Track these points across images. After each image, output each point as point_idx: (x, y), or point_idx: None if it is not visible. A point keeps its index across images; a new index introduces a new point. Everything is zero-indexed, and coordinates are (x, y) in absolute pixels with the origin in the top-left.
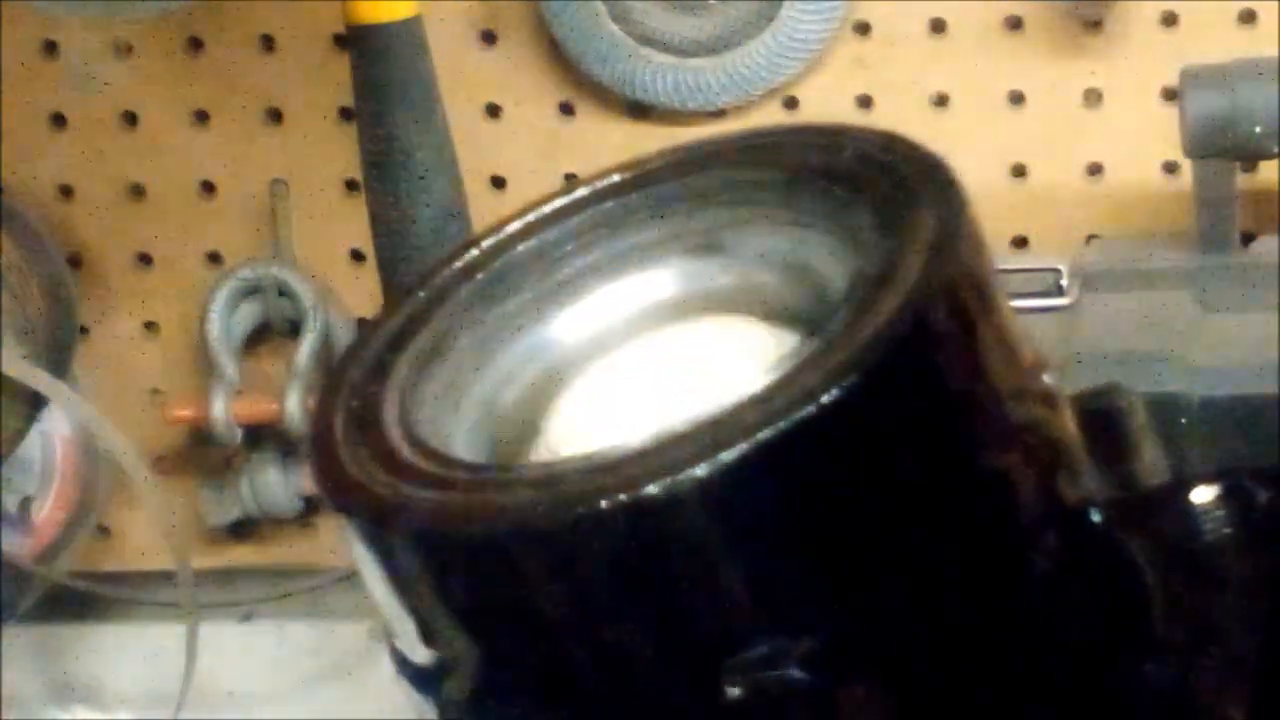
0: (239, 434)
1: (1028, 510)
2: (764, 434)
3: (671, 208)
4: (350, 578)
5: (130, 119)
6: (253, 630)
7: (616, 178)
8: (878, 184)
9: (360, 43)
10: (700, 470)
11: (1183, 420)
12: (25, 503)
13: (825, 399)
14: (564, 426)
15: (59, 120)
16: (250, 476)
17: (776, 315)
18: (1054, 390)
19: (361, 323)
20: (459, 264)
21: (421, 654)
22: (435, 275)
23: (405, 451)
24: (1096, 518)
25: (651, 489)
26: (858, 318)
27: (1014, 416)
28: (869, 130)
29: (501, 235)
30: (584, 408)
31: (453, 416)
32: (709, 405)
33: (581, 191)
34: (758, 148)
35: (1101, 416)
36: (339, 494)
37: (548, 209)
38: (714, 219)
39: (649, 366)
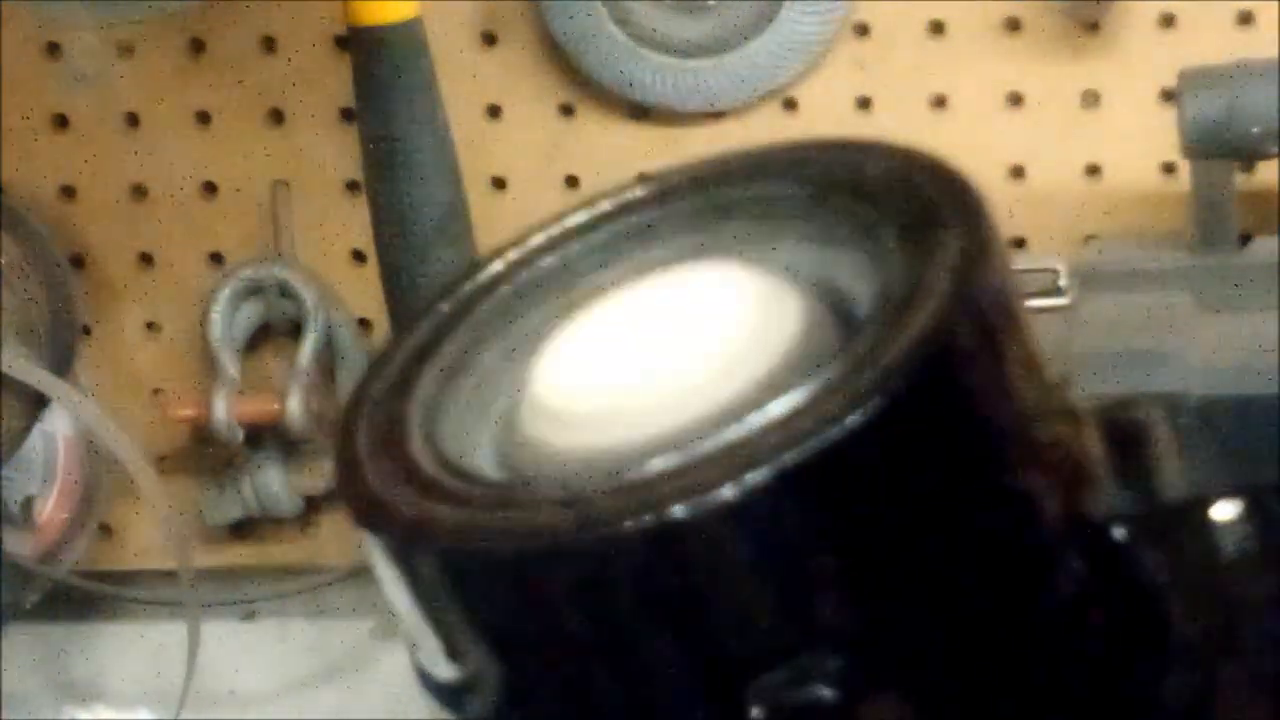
0: (240, 434)
1: (1051, 528)
2: (790, 456)
3: (695, 223)
4: (351, 577)
5: (132, 120)
6: (254, 629)
7: (639, 192)
8: (903, 201)
9: (361, 44)
10: (726, 492)
11: (1181, 420)
12: (27, 502)
13: (851, 422)
14: (550, 376)
15: (61, 121)
16: (251, 476)
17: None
18: (1076, 407)
19: (363, 323)
20: (482, 278)
21: (445, 670)
22: (458, 289)
23: (429, 467)
24: (1119, 534)
25: (677, 511)
26: (884, 339)
27: (1038, 435)
28: (894, 146)
29: (525, 249)
30: (570, 357)
31: (476, 431)
32: (697, 350)
33: (604, 206)
34: (782, 162)
35: (1121, 431)
36: (364, 510)
37: (570, 223)
38: (737, 234)
39: (634, 314)
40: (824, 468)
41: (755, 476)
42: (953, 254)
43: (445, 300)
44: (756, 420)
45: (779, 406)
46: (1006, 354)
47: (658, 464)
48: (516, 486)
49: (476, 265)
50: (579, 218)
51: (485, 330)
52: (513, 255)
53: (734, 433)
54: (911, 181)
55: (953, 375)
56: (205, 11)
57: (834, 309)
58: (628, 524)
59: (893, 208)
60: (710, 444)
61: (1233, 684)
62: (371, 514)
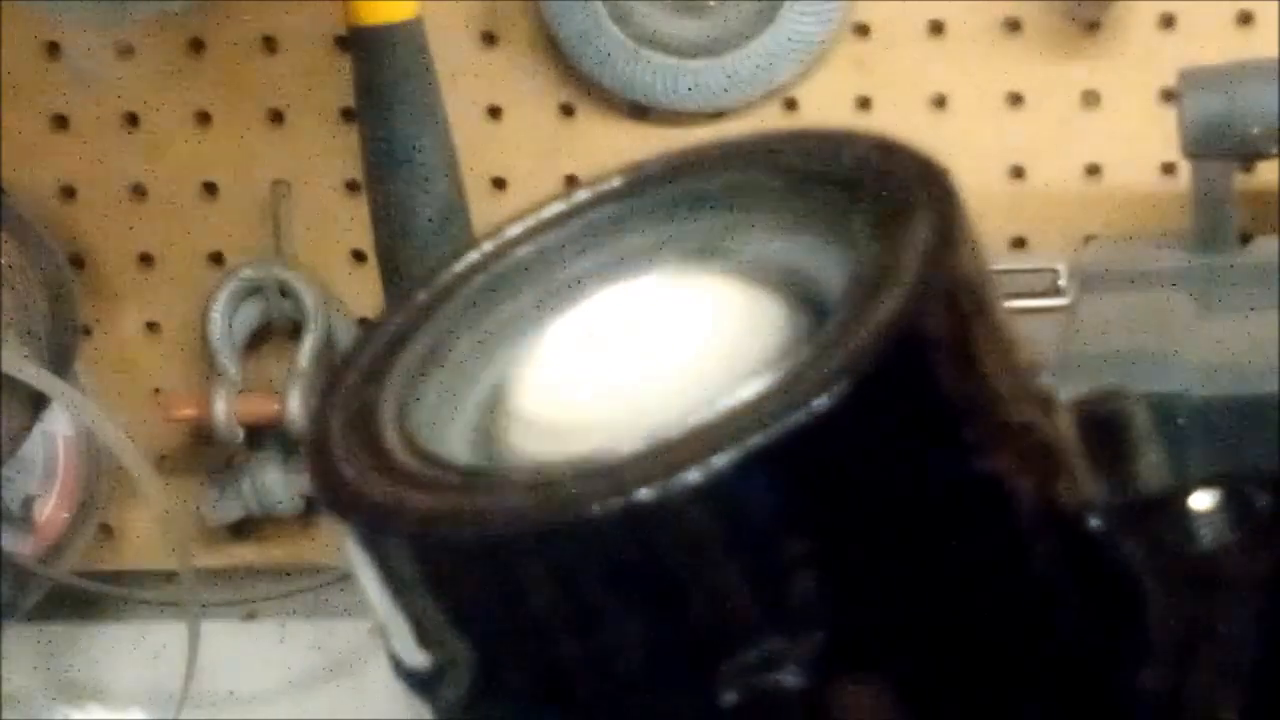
0: (240, 433)
1: (1025, 515)
2: (758, 439)
3: (670, 212)
4: (351, 577)
5: (132, 120)
6: (254, 629)
7: (616, 182)
8: (874, 188)
9: (361, 44)
10: (694, 475)
11: (1181, 420)
12: (28, 502)
13: (820, 404)
14: (532, 386)
15: (61, 121)
16: (252, 476)
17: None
18: (1050, 394)
19: (362, 323)
20: (459, 267)
21: (418, 658)
22: (435, 278)
23: (401, 454)
24: (1094, 523)
25: (645, 494)
26: (853, 322)
27: (1010, 421)
28: (866, 134)
29: (502, 239)
30: (551, 366)
31: (450, 420)
32: (678, 362)
33: (581, 196)
34: (756, 152)
35: (1102, 421)
36: (334, 497)
37: (548, 213)
38: (712, 223)
39: (618, 324)
40: (791, 451)
41: (722, 459)
42: (921, 239)
43: (422, 290)
44: (724, 404)
45: (747, 390)
46: (976, 338)
47: (626, 448)
48: (486, 472)
49: (453, 255)
50: (556, 208)
51: (460, 319)
52: (489, 246)
53: (702, 417)
54: (884, 169)
55: (921, 359)
56: (205, 11)
57: (808, 301)
58: (594, 507)
59: (866, 195)
60: (678, 428)
61: (1209, 672)
62: (341, 500)
